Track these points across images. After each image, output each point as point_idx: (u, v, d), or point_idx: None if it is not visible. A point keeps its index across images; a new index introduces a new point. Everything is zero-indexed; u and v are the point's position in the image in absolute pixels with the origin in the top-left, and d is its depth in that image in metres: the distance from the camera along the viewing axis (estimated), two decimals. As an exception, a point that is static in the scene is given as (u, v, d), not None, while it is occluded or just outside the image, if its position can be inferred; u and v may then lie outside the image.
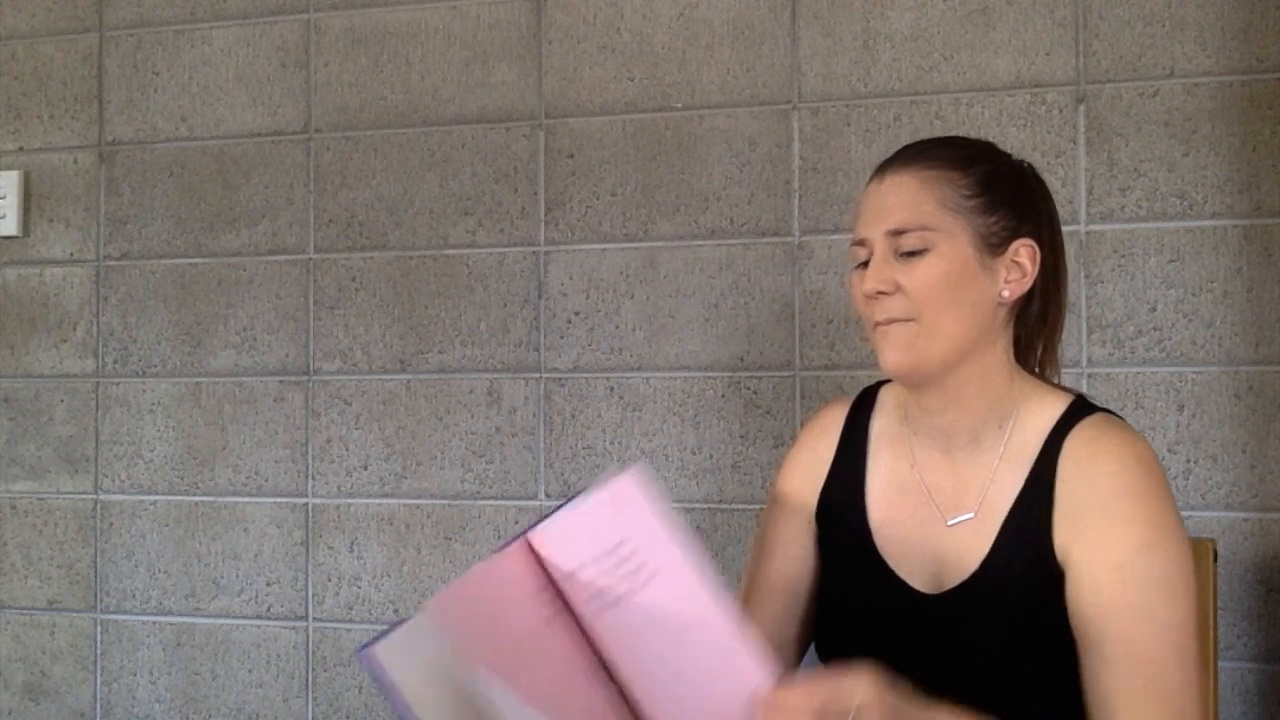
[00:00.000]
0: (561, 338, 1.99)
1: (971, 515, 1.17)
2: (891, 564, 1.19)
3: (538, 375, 1.99)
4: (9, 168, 2.21)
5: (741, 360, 1.92)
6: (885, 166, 1.20)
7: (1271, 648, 1.72)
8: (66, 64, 2.21)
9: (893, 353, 1.15)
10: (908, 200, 1.15)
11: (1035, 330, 1.22)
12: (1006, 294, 1.16)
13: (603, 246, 1.97)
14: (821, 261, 1.89)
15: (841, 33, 1.89)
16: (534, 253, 2.00)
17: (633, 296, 1.96)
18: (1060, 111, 1.81)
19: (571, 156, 1.99)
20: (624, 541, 0.90)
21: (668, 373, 1.94)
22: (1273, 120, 1.74)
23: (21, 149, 2.22)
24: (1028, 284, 1.17)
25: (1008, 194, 1.17)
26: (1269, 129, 1.74)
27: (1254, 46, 1.75)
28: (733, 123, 1.93)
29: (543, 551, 0.92)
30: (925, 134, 1.82)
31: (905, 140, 1.83)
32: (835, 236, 1.88)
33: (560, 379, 1.98)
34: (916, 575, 1.18)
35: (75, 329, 2.19)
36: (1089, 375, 1.77)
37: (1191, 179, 1.76)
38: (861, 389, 1.32)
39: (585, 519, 0.91)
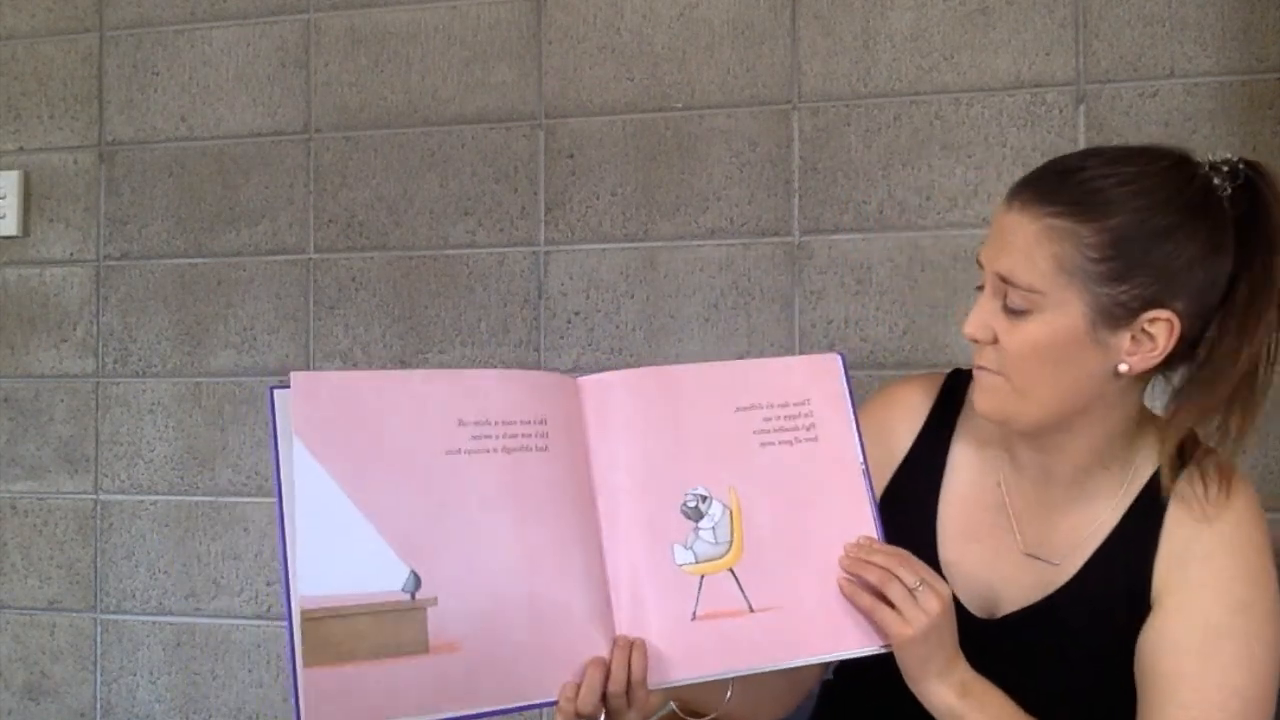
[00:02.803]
0: (561, 338, 1.99)
1: (1058, 564, 1.09)
2: (950, 580, 1.08)
3: (538, 375, 1.99)
4: (9, 168, 2.21)
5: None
6: (1020, 190, 1.04)
7: (1271, 648, 1.72)
8: (66, 64, 2.21)
9: (982, 399, 1.07)
10: (1022, 250, 1.01)
11: (1186, 404, 1.03)
12: (1125, 368, 1.01)
13: (603, 246, 1.97)
14: (821, 261, 1.88)
15: (841, 33, 1.89)
16: (534, 253, 2.00)
17: (633, 296, 1.96)
18: (1060, 111, 1.81)
19: (571, 156, 1.99)
20: (808, 401, 1.05)
21: (668, 373, 1.94)
22: (1273, 120, 1.74)
23: (21, 149, 2.22)
24: (1157, 358, 1.01)
25: (1154, 253, 0.99)
26: (1269, 129, 1.74)
27: (1254, 46, 1.75)
28: (733, 123, 1.93)
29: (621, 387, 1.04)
30: (925, 134, 1.83)
31: (905, 140, 1.85)
32: (835, 236, 1.88)
33: (560, 379, 1.98)
34: (969, 596, 1.11)
35: (75, 329, 2.19)
36: (1089, 375, 1.76)
37: (1191, 179, 1.76)
38: (952, 370, 1.22)
39: (782, 373, 1.07)
